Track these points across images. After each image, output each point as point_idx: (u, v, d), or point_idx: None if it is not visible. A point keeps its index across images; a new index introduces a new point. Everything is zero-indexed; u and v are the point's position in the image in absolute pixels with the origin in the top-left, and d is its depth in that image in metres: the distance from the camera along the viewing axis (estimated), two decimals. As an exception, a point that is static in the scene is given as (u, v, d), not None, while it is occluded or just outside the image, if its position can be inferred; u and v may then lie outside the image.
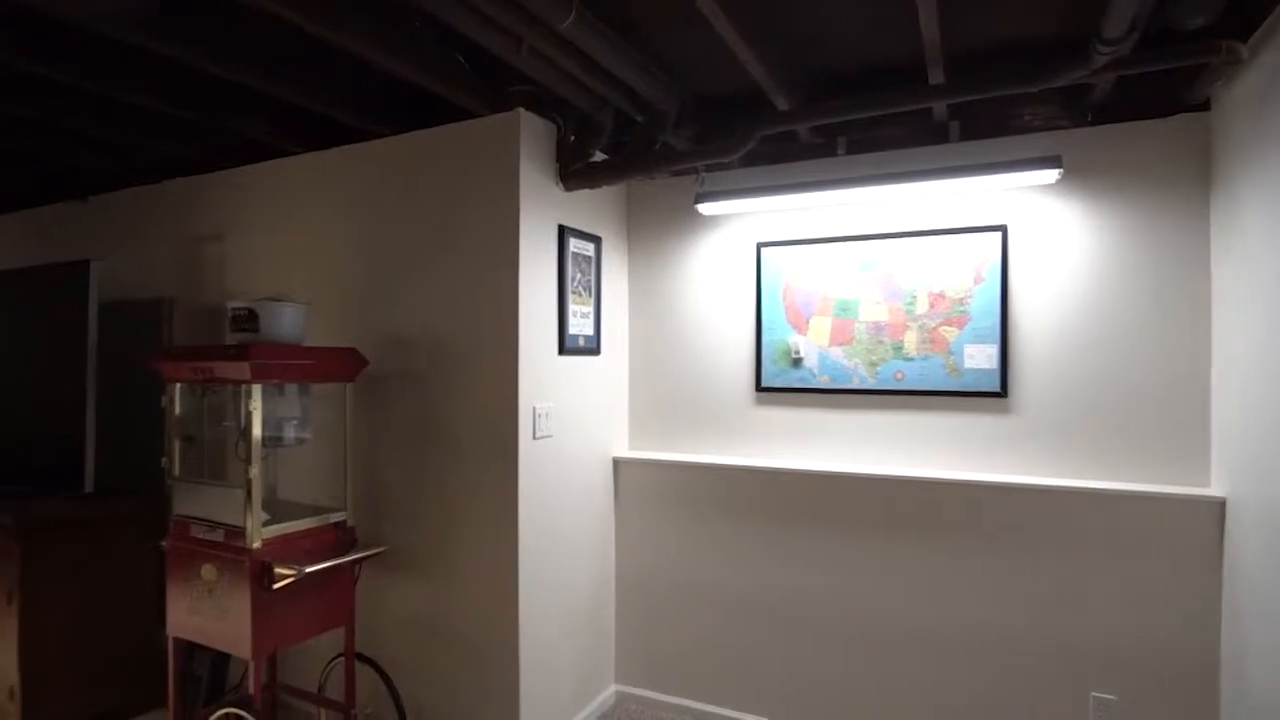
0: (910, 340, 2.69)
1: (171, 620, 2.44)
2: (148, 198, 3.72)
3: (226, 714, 2.28)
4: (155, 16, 1.92)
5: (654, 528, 3.04)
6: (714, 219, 3.01)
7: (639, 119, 2.54)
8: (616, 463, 3.09)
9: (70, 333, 3.03)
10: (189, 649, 2.54)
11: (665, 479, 3.03)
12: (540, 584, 2.57)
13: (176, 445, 2.57)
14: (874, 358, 2.75)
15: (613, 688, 3.08)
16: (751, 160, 2.90)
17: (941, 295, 2.64)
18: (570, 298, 2.73)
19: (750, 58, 2.13)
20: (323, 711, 2.64)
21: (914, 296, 2.68)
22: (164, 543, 2.48)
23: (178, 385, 2.54)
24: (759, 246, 2.92)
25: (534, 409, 2.53)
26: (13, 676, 2.66)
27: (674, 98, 2.47)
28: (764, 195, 2.69)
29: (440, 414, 2.62)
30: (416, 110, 2.67)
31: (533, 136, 2.54)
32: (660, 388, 3.12)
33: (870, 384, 2.75)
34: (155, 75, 2.41)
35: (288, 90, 2.35)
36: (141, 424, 3.32)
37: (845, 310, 2.79)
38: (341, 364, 2.51)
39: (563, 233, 2.69)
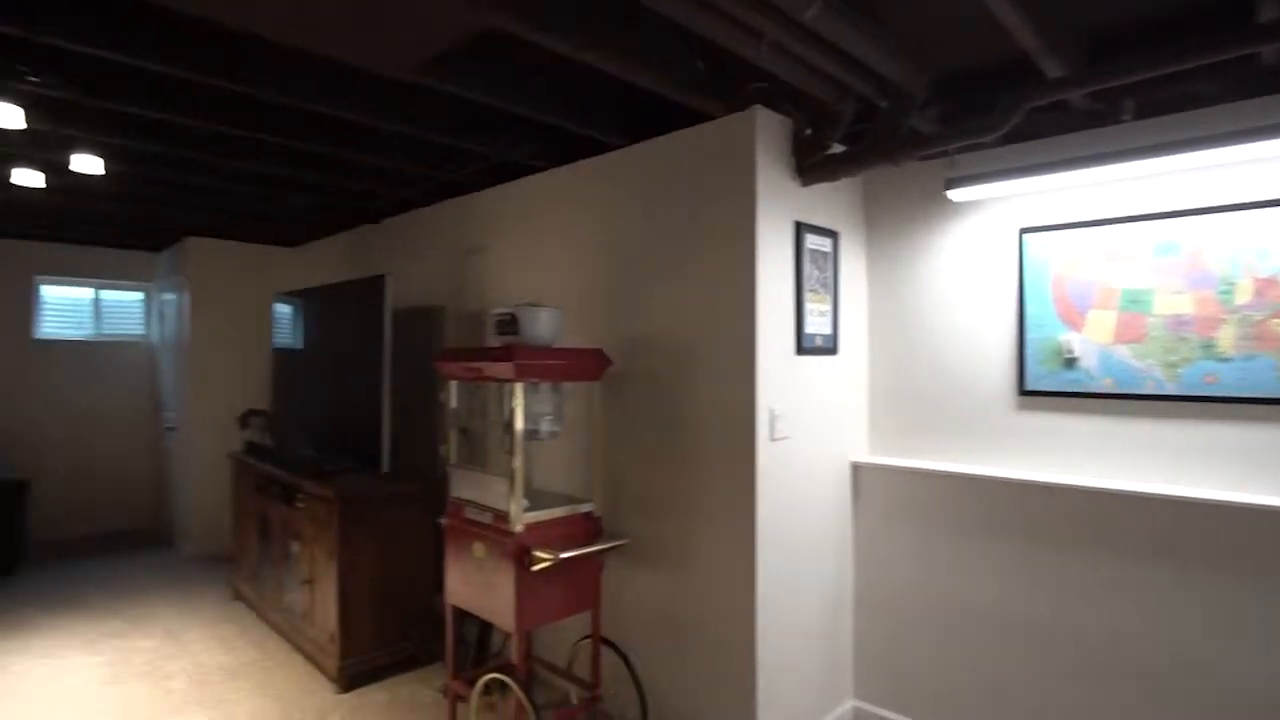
0: (1226, 337, 2.23)
1: (449, 589, 2.78)
2: (426, 218, 4.29)
3: (493, 678, 2.54)
4: (436, 60, 2.19)
5: (896, 538, 2.86)
6: (964, 205, 2.75)
7: (882, 104, 2.40)
8: (855, 468, 2.95)
9: (370, 337, 3.59)
10: (462, 615, 2.87)
11: (909, 487, 2.83)
12: (777, 586, 2.53)
13: (453, 435, 2.92)
14: (1174, 358, 2.32)
15: (850, 703, 2.95)
16: (1009, 138, 2.60)
17: (1273, 281, 2.16)
18: (807, 296, 2.66)
19: (1017, 22, 1.90)
20: (572, 687, 2.84)
21: (1231, 284, 2.22)
22: (443, 520, 2.82)
23: (454, 383, 2.89)
24: (1021, 233, 2.61)
25: (771, 410, 2.50)
26: (333, 623, 3.20)
27: (923, 77, 2.29)
28: (1032, 175, 2.40)
29: (679, 413, 2.69)
30: (652, 119, 2.77)
31: (769, 133, 2.51)
32: (902, 390, 2.93)
33: (1169, 389, 2.33)
34: (435, 111, 2.76)
35: (551, 115, 2.56)
36: (424, 416, 3.82)
37: (1135, 303, 2.40)
38: (590, 364, 2.67)
39: (799, 229, 2.63)
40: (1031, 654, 2.52)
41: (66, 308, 6.01)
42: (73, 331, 6.02)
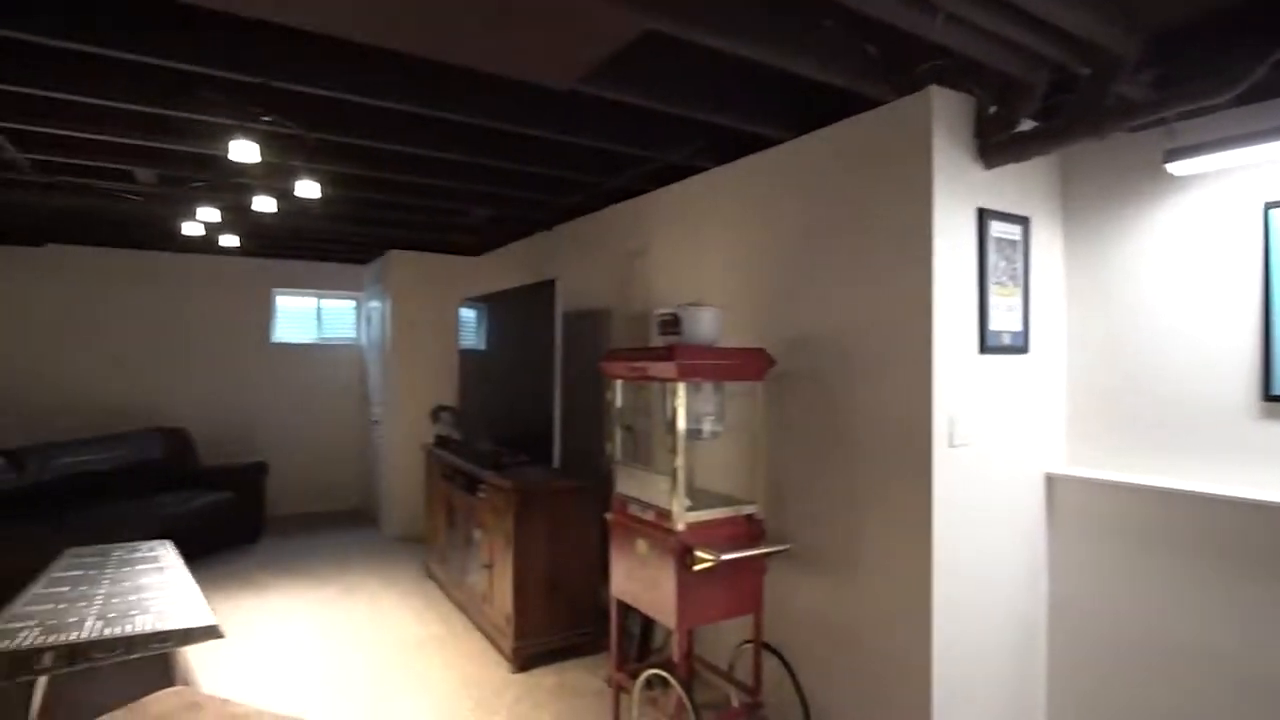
0: None
1: (613, 582, 2.86)
2: (593, 224, 4.45)
3: (655, 673, 2.57)
4: (596, 69, 2.26)
5: (1099, 561, 2.53)
6: (1188, 180, 2.37)
7: (1084, 71, 2.13)
8: (1050, 480, 2.65)
9: (542, 338, 3.78)
10: (626, 608, 2.95)
11: (1115, 504, 2.49)
12: (956, 605, 2.34)
13: (617, 433, 3.00)
14: None
15: (1043, 740, 2.65)
16: (1242, 99, 2.20)
17: None
18: (992, 289, 2.43)
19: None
20: (732, 690, 2.81)
21: None
22: (608, 515, 2.91)
23: (618, 382, 2.97)
24: (1267, 208, 2.20)
25: (949, 414, 2.31)
26: (509, 606, 3.41)
27: (1133, 38, 2.01)
28: (1280, 139, 2.02)
29: (846, 415, 2.57)
30: (819, 109, 2.67)
31: (946, 114, 2.32)
32: (1107, 393, 2.59)
33: None
34: (596, 119, 2.86)
35: (711, 113, 2.56)
36: (594, 414, 3.96)
37: None
38: (752, 363, 2.63)
39: (982, 217, 2.41)
40: (1272, 714, 2.12)
41: (295, 315, 6.95)
42: (300, 336, 6.95)
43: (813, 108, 2.67)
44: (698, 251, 3.40)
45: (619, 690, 2.84)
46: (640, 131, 3.00)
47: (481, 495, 3.82)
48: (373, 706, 3.05)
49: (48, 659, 2.55)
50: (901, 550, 2.36)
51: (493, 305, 4.67)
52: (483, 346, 4.85)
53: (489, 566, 3.69)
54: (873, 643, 2.46)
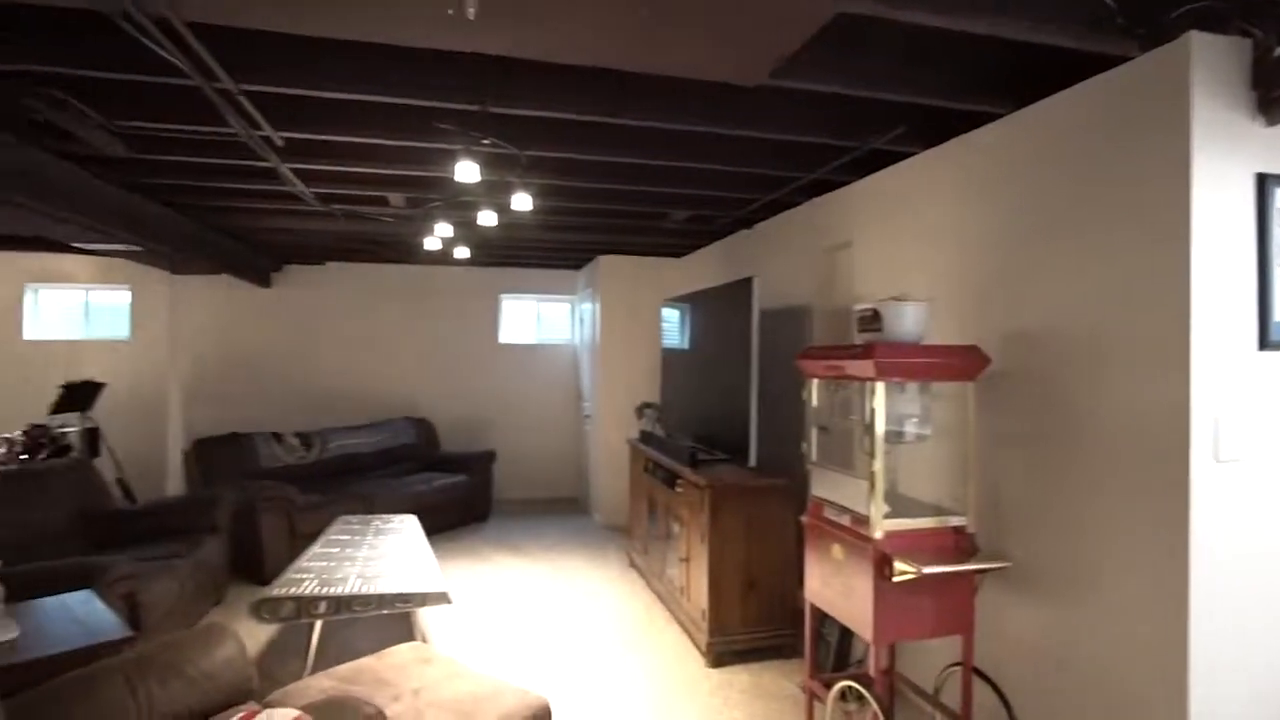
0: None
1: (808, 586, 2.78)
2: (792, 220, 4.35)
3: (851, 686, 2.46)
4: (788, 61, 2.20)
5: None
6: None
7: None
8: (1366, 508, 2.11)
9: (740, 336, 3.78)
10: (822, 614, 2.85)
11: None
12: (1222, 650, 1.95)
13: (814, 433, 2.91)
14: None
15: (1358, 833, 2.12)
16: None
17: None
18: (1277, 272, 1.99)
19: None
20: (938, 715, 2.59)
21: None
22: (803, 518, 2.83)
23: (814, 381, 2.88)
24: None
25: (1215, 421, 1.93)
26: (704, 601, 3.46)
27: None
28: None
29: (1078, 421, 2.26)
30: (1036, 78, 2.37)
31: (1210, 64, 1.94)
32: None
33: None
34: (791, 111, 2.79)
35: (915, 94, 2.39)
36: (792, 413, 3.88)
37: None
38: (962, 362, 2.41)
39: (1263, 184, 1.98)
40: None
41: (519, 318, 7.63)
42: (522, 337, 7.61)
43: (1033, 76, 2.38)
44: (903, 243, 3.18)
45: (813, 698, 2.76)
46: (838, 121, 2.88)
47: (679, 490, 3.91)
48: (570, 683, 3.26)
49: (323, 607, 3.05)
50: (1146, 580, 2.02)
51: (692, 304, 4.76)
52: (683, 345, 4.97)
53: (686, 560, 3.76)
54: (1108, 683, 2.14)
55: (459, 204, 3.91)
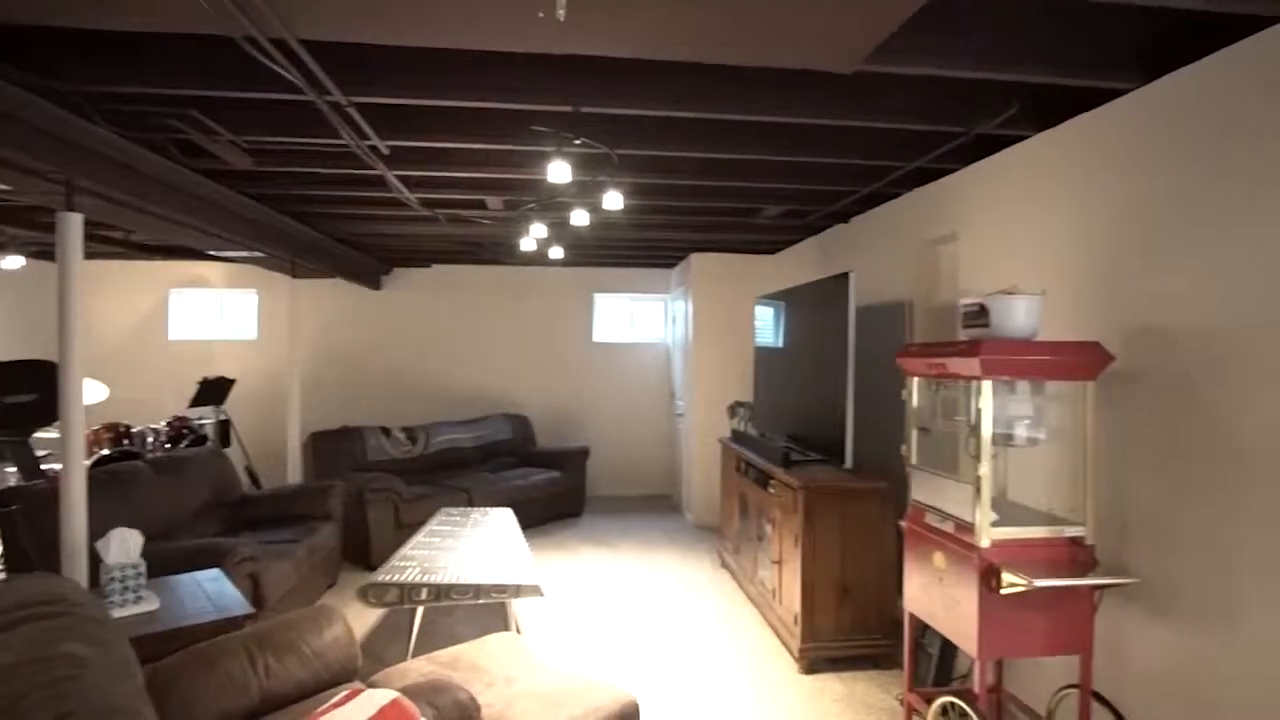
0: None
1: (907, 595, 2.65)
2: (891, 212, 4.18)
3: (953, 702, 2.33)
4: (882, 45, 2.10)
5: None
6: None
7: None
8: None
9: (834, 334, 3.66)
10: (922, 625, 2.71)
11: None
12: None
13: (914, 435, 2.77)
14: None
15: None
16: None
17: None
18: None
19: None
20: (1054, 740, 2.41)
21: None
22: (902, 522, 2.71)
23: (915, 379, 2.74)
24: None
25: (1389, 428, 1.69)
26: (796, 605, 3.37)
27: None
28: None
29: (1216, 429, 2.04)
30: (1170, 46, 2.15)
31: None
32: None
33: None
34: (889, 98, 2.66)
35: (1029, 72, 2.24)
36: (891, 413, 3.73)
37: None
38: (1080, 360, 2.24)
39: None
40: None
41: (612, 317, 7.72)
42: (615, 335, 7.69)
43: (1162, 46, 2.17)
44: (1013, 232, 2.98)
45: (911, 713, 2.63)
46: (941, 105, 2.73)
47: (772, 491, 3.83)
48: (658, 682, 3.25)
49: (424, 594, 3.18)
50: (1305, 605, 1.80)
51: (786, 301, 4.66)
52: (776, 343, 4.87)
53: (778, 563, 3.68)
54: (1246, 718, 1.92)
55: (553, 205, 3.99)
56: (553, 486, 6.20)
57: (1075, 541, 2.22)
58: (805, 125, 3.09)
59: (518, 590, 3.22)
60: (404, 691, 1.86)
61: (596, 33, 2.19)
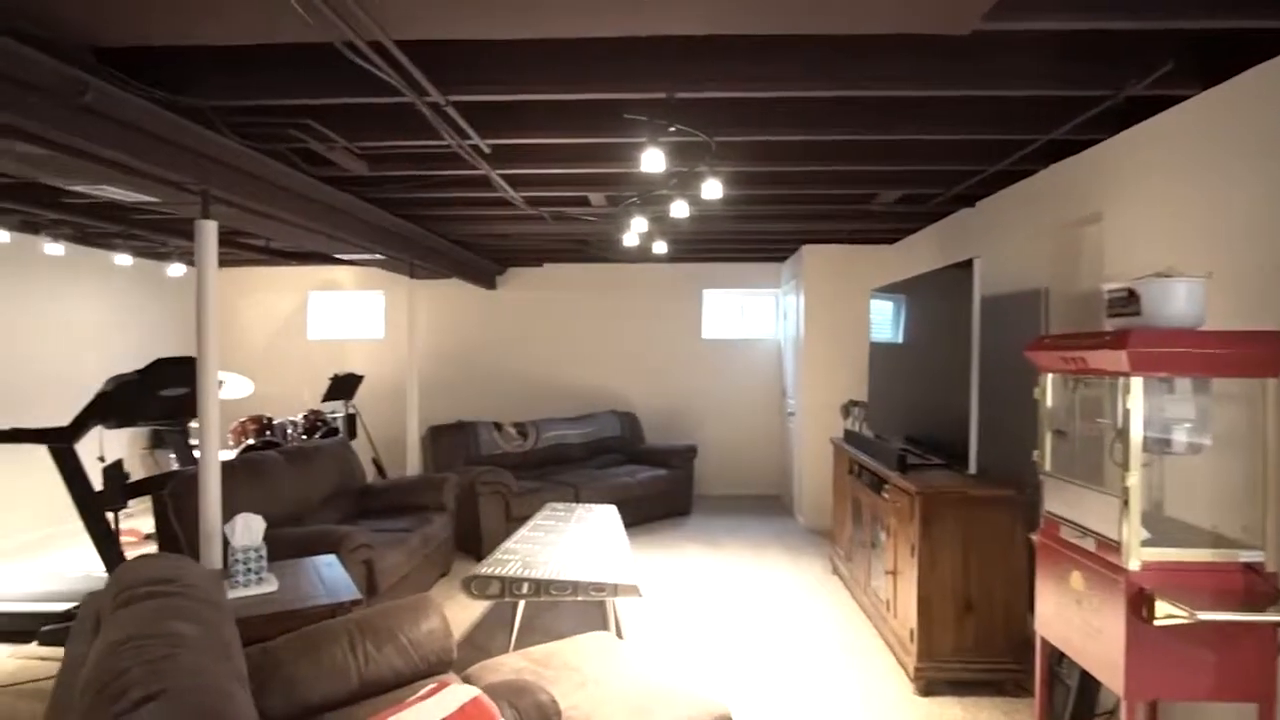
0: None
1: (1039, 617, 2.37)
2: (1023, 192, 3.79)
3: (1097, 744, 2.04)
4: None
5: None
6: None
7: None
8: None
9: (957, 326, 3.35)
10: (1058, 652, 2.41)
11: None
12: None
13: (1048, 438, 2.47)
14: None
15: None
16: None
17: None
18: None
19: None
20: (1225, 797, 2.07)
21: None
22: (1034, 535, 2.42)
23: (1048, 376, 2.44)
24: None
25: None
26: (911, 620, 3.11)
27: None
28: None
29: None
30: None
31: None
32: None
33: None
34: (1016, 62, 2.38)
35: (1184, 17, 1.92)
36: (1020, 414, 3.38)
37: None
38: (1260, 353, 1.89)
39: None
40: None
41: (721, 312, 7.57)
42: (725, 332, 7.54)
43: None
44: (1171, 209, 2.60)
45: (1045, 751, 2.34)
46: (1077, 65, 2.41)
47: (886, 496, 3.57)
48: (757, 693, 3.09)
49: (525, 588, 3.20)
50: None
51: (904, 293, 4.35)
52: (893, 338, 4.56)
53: (893, 573, 3.43)
54: None
55: (655, 198, 3.92)
56: (659, 484, 6.15)
57: (1252, 568, 1.88)
58: (920, 99, 2.84)
59: (615, 589, 3.18)
60: (488, 689, 1.85)
61: (694, 10, 2.09)
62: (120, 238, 5.37)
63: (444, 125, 2.87)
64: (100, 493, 3.63)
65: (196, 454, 4.72)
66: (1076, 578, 2.13)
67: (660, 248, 5.26)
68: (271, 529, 3.62)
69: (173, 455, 5.13)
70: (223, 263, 7.25)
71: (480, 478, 5.08)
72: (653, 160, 2.69)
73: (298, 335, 7.65)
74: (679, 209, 3.54)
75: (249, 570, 2.63)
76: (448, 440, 5.73)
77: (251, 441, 5.71)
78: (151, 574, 1.84)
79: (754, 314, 7.61)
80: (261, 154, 3.16)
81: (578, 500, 5.46)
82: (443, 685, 1.81)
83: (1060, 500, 2.31)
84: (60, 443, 3.57)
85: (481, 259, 6.86)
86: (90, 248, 5.65)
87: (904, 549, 3.27)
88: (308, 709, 2.05)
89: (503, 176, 3.75)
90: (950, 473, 3.36)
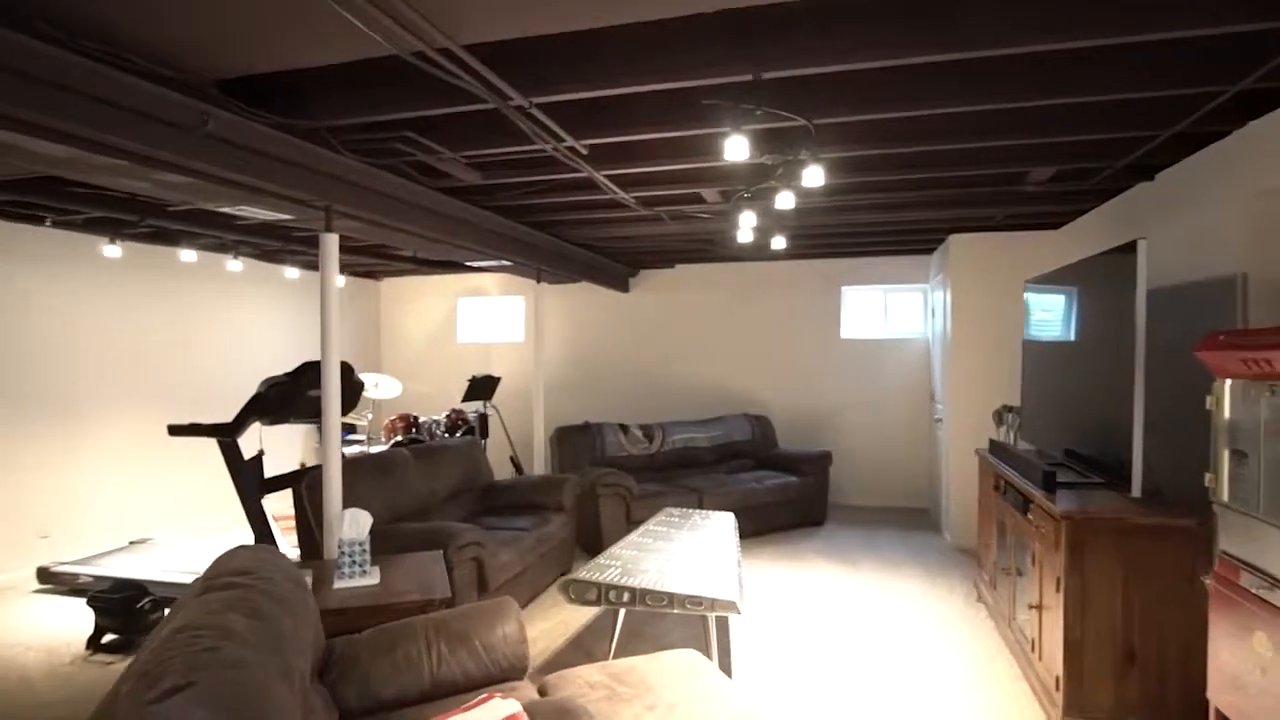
0: None
1: (1212, 682, 1.92)
2: (1211, 159, 3.15)
3: None
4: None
5: None
6: None
7: None
8: None
9: (1118, 321, 2.84)
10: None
11: None
12: None
13: (1225, 459, 2.00)
14: None
15: None
16: None
17: None
18: None
19: None
20: None
21: None
22: (1207, 579, 1.97)
23: (1227, 382, 1.97)
24: None
25: None
26: (1057, 665, 2.67)
27: None
28: None
29: None
30: None
31: None
32: None
33: None
34: None
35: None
36: (1195, 427, 2.80)
37: None
38: None
39: None
40: None
41: (863, 311, 7.09)
42: (866, 331, 7.05)
43: None
44: None
45: None
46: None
47: (1030, 518, 3.11)
48: (882, 731, 2.79)
49: (624, 596, 3.13)
50: None
51: (1060, 284, 3.78)
52: (1049, 335, 3.98)
53: (1037, 608, 2.97)
54: None
55: (766, 191, 3.70)
56: (791, 492, 5.85)
57: None
58: (1074, 52, 2.41)
59: (712, 604, 3.01)
60: (534, 708, 1.79)
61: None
62: (289, 253, 6.00)
63: (533, 128, 2.87)
64: (256, 481, 4.04)
65: (346, 450, 5.16)
66: (1261, 639, 1.69)
67: (779, 243, 4.99)
68: (393, 523, 3.86)
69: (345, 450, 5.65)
70: (383, 273, 7.93)
71: (601, 479, 5.09)
72: (736, 148, 2.51)
73: (449, 339, 8.16)
74: (785, 200, 3.30)
75: (353, 562, 2.77)
76: (573, 441, 5.82)
77: (399, 438, 6.14)
78: (237, 565, 1.97)
79: (899, 312, 7.05)
80: (377, 168, 3.35)
81: (701, 506, 5.32)
82: (489, 697, 1.77)
83: (1241, 539, 1.85)
84: (224, 436, 4.01)
85: (613, 262, 6.92)
86: (265, 263, 6.37)
87: (1049, 582, 2.82)
88: (380, 703, 2.10)
89: (608, 177, 3.72)
90: (1111, 494, 2.85)
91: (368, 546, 2.85)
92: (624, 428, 6.12)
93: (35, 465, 4.76)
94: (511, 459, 6.73)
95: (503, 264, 5.41)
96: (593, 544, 5.09)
